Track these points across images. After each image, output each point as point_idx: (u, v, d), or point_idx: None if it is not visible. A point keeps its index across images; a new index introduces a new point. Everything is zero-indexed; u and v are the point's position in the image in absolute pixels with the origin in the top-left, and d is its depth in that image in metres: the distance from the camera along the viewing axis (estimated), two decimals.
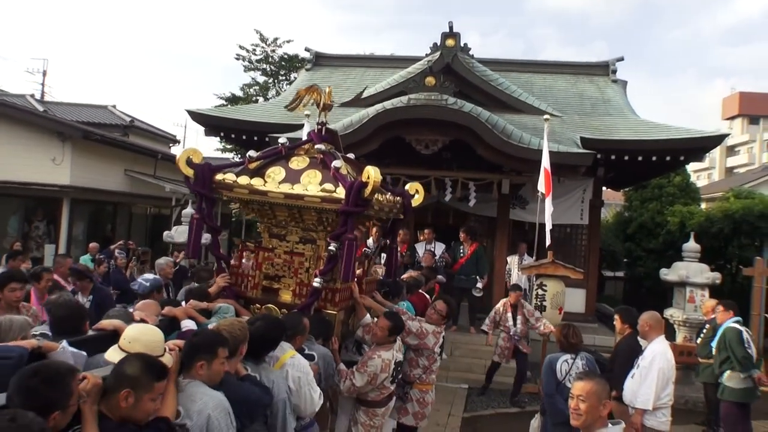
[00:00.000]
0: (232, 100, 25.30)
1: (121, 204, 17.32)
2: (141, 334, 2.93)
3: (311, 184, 4.39)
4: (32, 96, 23.58)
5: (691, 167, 22.24)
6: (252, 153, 4.74)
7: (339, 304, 4.64)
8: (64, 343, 2.86)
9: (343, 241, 4.27)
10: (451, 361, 9.69)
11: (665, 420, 5.19)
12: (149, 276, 6.43)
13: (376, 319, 4.98)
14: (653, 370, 5.09)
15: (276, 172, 4.56)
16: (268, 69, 26.27)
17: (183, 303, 4.42)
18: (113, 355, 2.85)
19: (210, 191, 4.58)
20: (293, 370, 3.72)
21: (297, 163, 4.67)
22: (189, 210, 11.43)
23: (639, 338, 5.81)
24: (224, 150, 25.08)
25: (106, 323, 3.38)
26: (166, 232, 11.29)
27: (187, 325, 3.86)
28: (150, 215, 19.51)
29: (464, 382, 9.21)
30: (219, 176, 4.56)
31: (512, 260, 11.10)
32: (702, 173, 54.67)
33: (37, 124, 14.52)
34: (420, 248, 10.56)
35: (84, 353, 2.91)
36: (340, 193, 4.26)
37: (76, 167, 14.50)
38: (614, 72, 14.78)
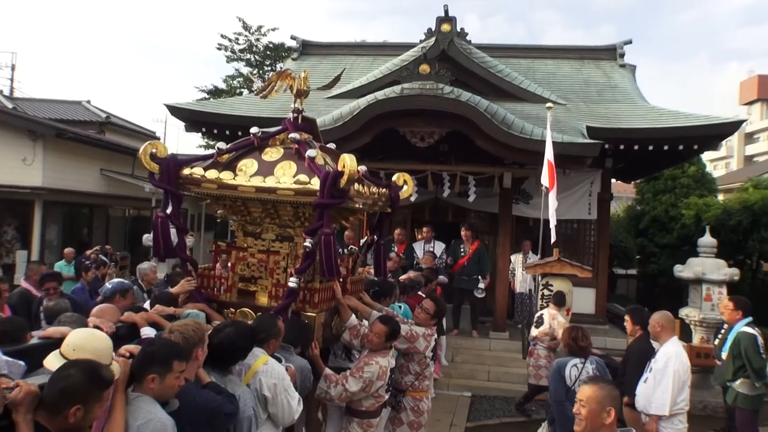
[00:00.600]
0: (215, 92, 25.34)
1: (98, 206, 17.31)
2: (86, 341, 2.81)
3: (285, 177, 4.31)
4: (0, 92, 23.54)
5: (707, 156, 22.26)
6: (221, 145, 4.63)
7: (319, 305, 4.55)
8: None
9: (319, 236, 4.20)
10: (452, 367, 9.71)
11: (682, 427, 5.18)
12: (115, 279, 6.36)
13: (365, 322, 4.93)
14: (667, 374, 5.07)
15: (248, 165, 4.47)
16: (253, 59, 26.30)
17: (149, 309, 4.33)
18: (53, 361, 2.74)
19: (176, 187, 4.47)
20: (267, 377, 3.65)
21: (271, 154, 4.58)
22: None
23: (651, 340, 5.81)
24: (207, 146, 25.09)
25: (52, 330, 3.29)
26: (145, 236, 11.26)
27: (147, 333, 3.74)
28: (129, 217, 19.50)
29: (467, 389, 9.21)
30: (186, 171, 4.46)
31: (516, 259, 11.12)
32: (719, 162, 54.77)
33: (6, 122, 14.49)
34: (418, 248, 10.57)
35: (22, 363, 2.80)
36: (316, 184, 4.17)
37: (48, 167, 14.48)
38: (622, 56, 14.75)
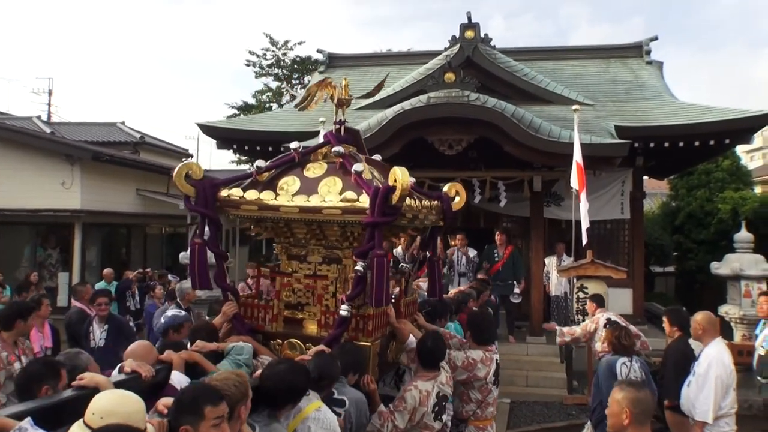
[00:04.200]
0: (245, 108, 25.70)
1: (135, 225, 17.65)
2: (116, 405, 2.37)
3: (330, 194, 3.99)
4: (39, 117, 24.19)
5: (742, 148, 21.89)
6: (260, 163, 4.29)
7: (373, 333, 4.14)
8: (27, 422, 2.39)
9: (371, 258, 3.81)
10: None
11: (728, 430, 5.08)
12: (169, 312, 6.26)
13: None
14: (710, 379, 4.99)
15: (289, 183, 4.16)
16: (281, 73, 26.64)
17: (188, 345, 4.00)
18: None
19: (214, 211, 4.17)
20: (317, 426, 3.27)
21: (313, 170, 4.26)
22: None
23: (692, 340, 5.76)
24: (239, 162, 25.46)
25: (87, 379, 2.88)
26: (182, 253, 11.49)
27: (178, 380, 3.32)
28: (165, 235, 19.86)
29: (506, 395, 9.16)
30: (223, 192, 4.18)
31: (550, 262, 11.08)
32: (756, 153, 53.61)
33: (45, 147, 14.85)
34: (453, 255, 10.58)
35: None
36: (364, 201, 3.86)
37: (86, 190, 14.82)
38: (648, 53, 14.64)
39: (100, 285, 10.80)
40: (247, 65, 26.60)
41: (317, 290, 4.29)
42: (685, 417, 5.36)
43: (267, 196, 4.10)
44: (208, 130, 13.58)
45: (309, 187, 4.12)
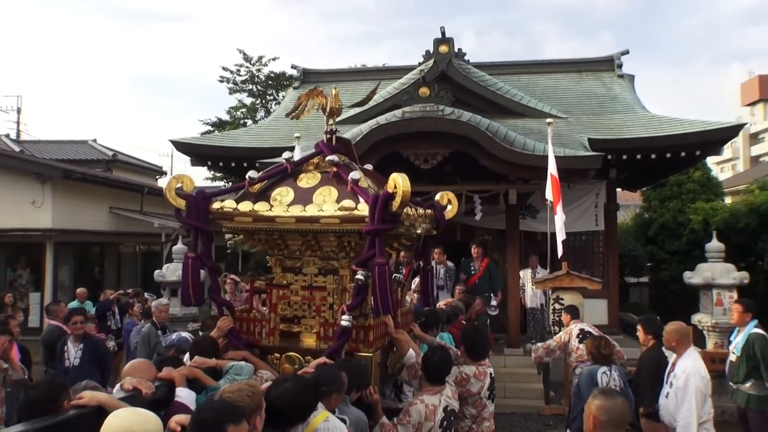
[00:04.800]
0: (219, 125, 25.61)
1: (108, 244, 17.45)
2: (135, 424, 2.31)
3: (326, 203, 3.96)
4: (7, 136, 23.92)
5: (713, 159, 22.34)
6: (252, 174, 4.25)
7: (374, 343, 4.08)
8: None
9: (372, 267, 3.76)
10: None
11: None
12: (175, 335, 6.01)
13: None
14: (689, 391, 5.07)
15: (283, 194, 4.14)
16: (255, 89, 26.62)
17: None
18: None
19: (206, 224, 4.15)
20: None
21: (307, 180, 4.24)
22: (180, 246, 11.56)
23: (666, 349, 5.85)
24: (214, 178, 25.33)
25: (88, 398, 2.83)
26: (157, 271, 11.40)
27: (183, 395, 3.32)
28: (139, 253, 19.65)
29: None
30: (216, 205, 4.16)
31: (525, 274, 11.17)
32: (726, 164, 54.74)
33: (14, 167, 14.66)
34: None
35: None
36: (363, 209, 3.81)
37: (57, 209, 14.64)
38: (620, 66, 14.91)
39: (74, 305, 10.68)
40: (221, 81, 26.58)
41: (315, 302, 4.24)
42: (659, 424, 5.44)
43: (261, 207, 4.07)
44: (182, 146, 13.51)
45: (303, 197, 4.10)
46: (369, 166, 4.78)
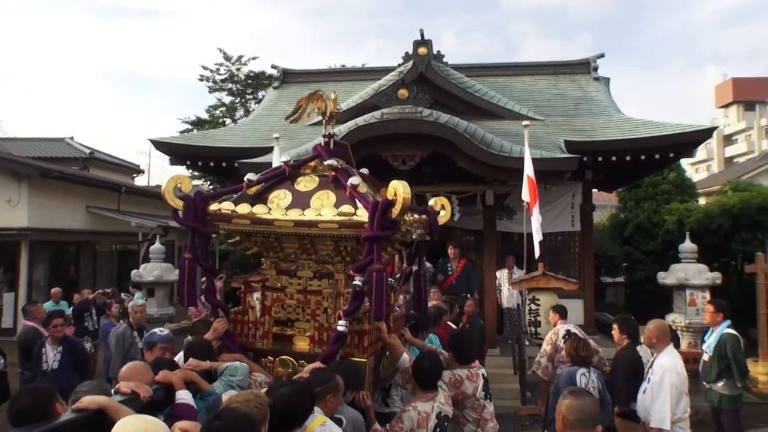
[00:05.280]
0: (198, 123, 25.44)
1: (85, 243, 17.32)
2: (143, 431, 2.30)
3: (325, 208, 3.96)
4: None
5: (688, 160, 22.64)
6: (251, 176, 4.24)
7: (368, 348, 4.10)
8: None
9: (370, 273, 3.79)
10: None
11: None
12: (158, 331, 5.82)
13: None
14: (665, 387, 5.13)
15: (280, 197, 4.13)
16: (234, 88, 26.47)
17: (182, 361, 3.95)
18: None
19: (204, 225, 4.14)
20: None
21: (304, 184, 4.24)
22: (158, 246, 11.51)
23: (643, 347, 5.94)
24: (193, 178, 25.15)
25: (88, 401, 2.75)
26: (134, 271, 11.34)
27: (184, 397, 3.30)
28: (116, 252, 19.52)
29: None
30: (213, 206, 4.15)
31: (501, 275, 11.27)
32: (701, 165, 55.48)
33: None
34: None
35: None
36: (362, 215, 3.82)
37: (34, 208, 14.52)
38: (596, 69, 15.08)
39: (48, 305, 10.57)
40: (201, 80, 26.38)
41: (310, 306, 4.23)
42: (634, 423, 5.52)
43: (260, 210, 4.07)
44: (161, 146, 13.44)
45: (301, 200, 4.10)
46: (365, 171, 4.74)
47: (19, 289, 14.47)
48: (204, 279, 4.50)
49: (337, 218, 3.88)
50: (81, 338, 8.67)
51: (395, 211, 3.73)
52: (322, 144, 4.48)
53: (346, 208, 3.90)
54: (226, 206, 4.14)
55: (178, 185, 4.14)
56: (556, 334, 7.33)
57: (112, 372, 7.64)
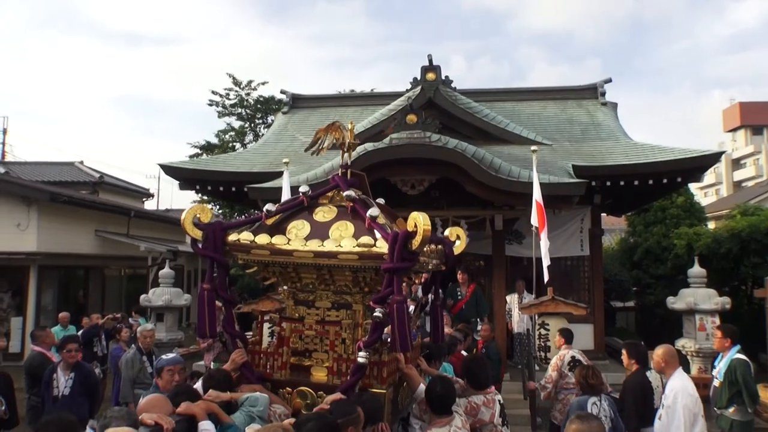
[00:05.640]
0: (208, 148, 25.60)
1: (93, 267, 17.36)
2: None
3: (344, 239, 3.92)
4: None
5: (696, 185, 22.57)
6: (270, 206, 4.22)
7: (387, 379, 4.06)
8: None
9: (391, 304, 3.76)
10: None
11: None
12: (164, 357, 5.78)
13: None
14: (678, 410, 5.11)
15: (299, 227, 4.11)
16: (244, 113, 26.66)
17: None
18: None
19: (223, 255, 4.13)
20: None
21: (323, 214, 4.22)
22: (167, 270, 11.54)
23: (654, 373, 5.90)
24: (201, 202, 25.26)
25: None
26: (143, 296, 11.37)
27: (206, 428, 3.33)
28: (125, 277, 19.55)
29: None
30: (232, 236, 4.12)
31: (511, 299, 11.23)
32: (710, 189, 55.39)
33: (0, 189, 14.62)
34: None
35: None
36: (381, 246, 3.79)
37: (43, 232, 14.57)
38: (603, 94, 15.18)
39: (56, 329, 10.58)
40: (210, 105, 26.60)
41: (329, 336, 4.19)
42: None
43: (279, 241, 4.03)
44: (170, 170, 13.54)
45: (320, 231, 4.07)
46: (381, 200, 4.70)
47: (27, 313, 14.47)
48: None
49: (357, 249, 3.84)
50: (90, 363, 8.65)
51: (415, 242, 3.70)
52: (339, 174, 4.47)
53: (366, 239, 3.87)
54: (245, 236, 4.11)
55: (197, 215, 4.14)
56: (561, 360, 7.28)
57: (122, 397, 7.62)
